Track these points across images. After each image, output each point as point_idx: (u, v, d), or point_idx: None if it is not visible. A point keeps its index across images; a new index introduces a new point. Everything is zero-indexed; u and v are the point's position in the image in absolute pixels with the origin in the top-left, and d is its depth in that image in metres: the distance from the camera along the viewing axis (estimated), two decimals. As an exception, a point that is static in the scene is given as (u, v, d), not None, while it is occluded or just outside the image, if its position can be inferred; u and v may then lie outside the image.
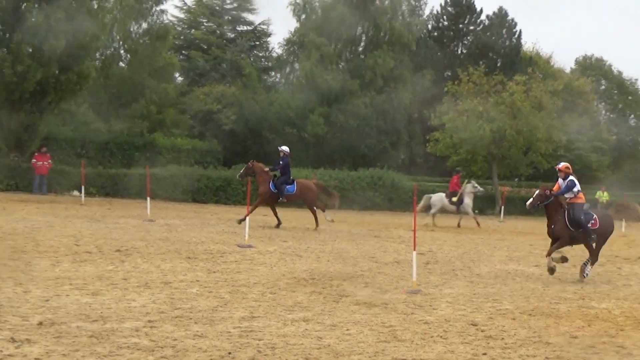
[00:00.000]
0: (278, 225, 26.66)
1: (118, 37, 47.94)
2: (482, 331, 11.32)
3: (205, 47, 58.93)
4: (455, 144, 47.24)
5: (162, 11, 49.94)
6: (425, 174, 56.98)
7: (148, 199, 27.10)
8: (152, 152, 44.56)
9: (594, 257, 17.87)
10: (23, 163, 37.30)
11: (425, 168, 59.87)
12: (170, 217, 27.23)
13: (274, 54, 61.72)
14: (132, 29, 48.43)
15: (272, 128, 50.67)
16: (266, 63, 61.98)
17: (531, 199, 17.95)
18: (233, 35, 61.90)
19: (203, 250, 18.84)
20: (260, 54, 62.93)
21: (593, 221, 17.79)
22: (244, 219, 23.70)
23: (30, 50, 35.55)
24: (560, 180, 17.97)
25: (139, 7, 47.65)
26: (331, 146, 51.00)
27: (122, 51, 49.18)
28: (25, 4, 36.33)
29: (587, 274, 17.60)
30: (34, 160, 36.78)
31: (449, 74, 57.28)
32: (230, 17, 62.75)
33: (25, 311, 10.84)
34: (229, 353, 9.28)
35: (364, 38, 56.31)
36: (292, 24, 61.13)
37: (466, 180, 35.58)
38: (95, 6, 38.36)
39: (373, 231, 27.20)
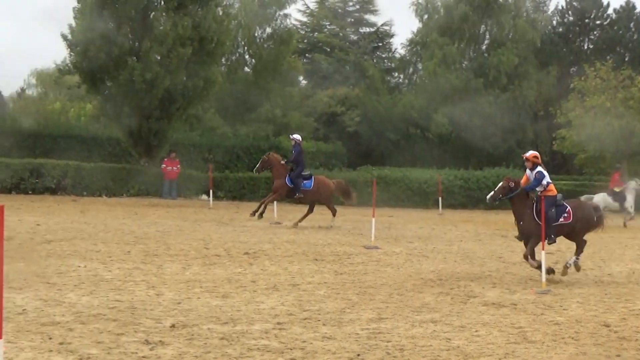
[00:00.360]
0: (258, 215, 25.96)
1: (243, 43, 48.69)
2: (615, 332, 11.01)
3: (329, 49, 59.18)
4: (583, 141, 46.12)
5: (286, 15, 50.55)
6: (551, 172, 55.65)
7: (274, 202, 27.35)
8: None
9: (579, 249, 16.37)
10: (153, 168, 38.17)
11: (552, 166, 58.62)
12: (297, 219, 27.41)
13: (397, 55, 61.57)
14: (256, 34, 49.10)
15: (395, 129, 50.55)
16: (389, 64, 61.85)
17: (492, 192, 16.57)
18: (356, 37, 61.96)
19: (330, 252, 18.93)
20: (383, 55, 62.83)
21: (566, 214, 16.31)
22: (258, 213, 25.17)
23: (159, 57, 36.36)
24: (528, 172, 16.34)
25: (263, 13, 48.29)
26: (455, 146, 50.56)
27: (247, 56, 49.91)
28: (153, 13, 37.22)
29: (570, 264, 16.18)
30: (164, 165, 37.60)
31: (575, 70, 55.96)
32: (352, 19, 62.85)
33: (158, 314, 11.09)
34: (358, 355, 9.27)
35: (487, 36, 55.60)
36: (415, 25, 60.77)
37: (636, 179, 34.42)
38: (220, 12, 38.97)
39: (500, 231, 26.81)
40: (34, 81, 77.24)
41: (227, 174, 40.32)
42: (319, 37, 60.33)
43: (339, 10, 62.34)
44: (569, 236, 16.80)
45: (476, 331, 10.78)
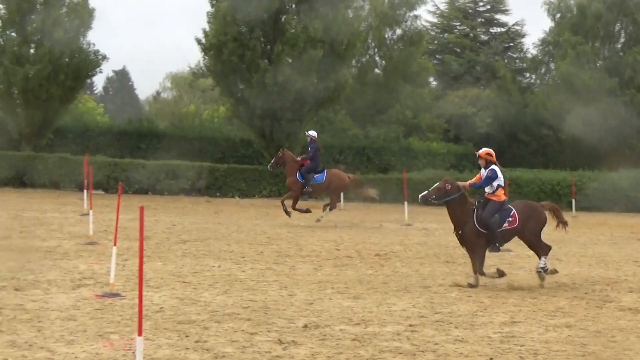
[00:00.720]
0: (306, 211, 25.57)
1: (373, 44, 48.75)
2: None
3: (459, 50, 58.64)
4: None
5: (416, 17, 50.30)
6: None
7: (405, 203, 27.25)
8: (407, 156, 44.80)
9: (540, 250, 14.97)
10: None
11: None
12: (427, 221, 27.29)
13: (529, 55, 60.49)
14: (386, 36, 49.07)
15: (527, 130, 49.72)
16: (520, 64, 60.82)
17: (426, 192, 15.30)
18: (486, 37, 61.22)
19: (461, 254, 18.69)
20: (515, 56, 61.83)
21: (511, 218, 14.82)
22: (288, 211, 24.89)
23: (290, 60, 36.75)
24: (482, 171, 15.11)
25: (392, 14, 48.23)
26: (589, 147, 49.33)
27: (377, 58, 49.93)
28: (284, 16, 37.65)
29: (542, 267, 14.78)
30: (297, 166, 37.98)
31: None
32: (483, 20, 62.14)
33: (290, 314, 11.20)
34: (490, 358, 9.17)
35: (622, 34, 54.07)
36: (547, 24, 59.66)
37: None
38: (351, 14, 39.13)
39: (635, 234, 26.03)
40: (169, 84, 79.29)
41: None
42: (449, 38, 59.83)
43: (469, 11, 61.69)
44: (523, 241, 15.40)
45: (612, 337, 10.51)
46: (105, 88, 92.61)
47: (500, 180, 14.98)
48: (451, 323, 11.00)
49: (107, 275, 13.25)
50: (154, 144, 41.52)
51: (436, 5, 60.67)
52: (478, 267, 14.55)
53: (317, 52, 36.32)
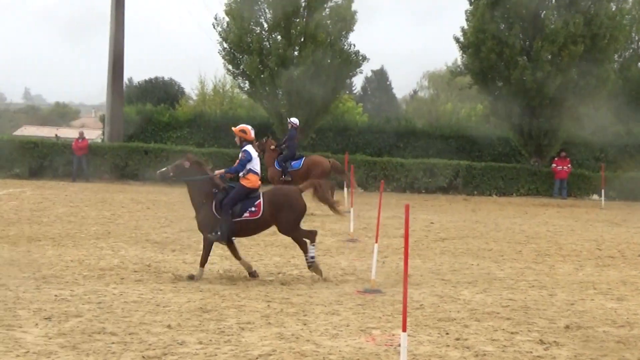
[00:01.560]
0: None
1: (637, 38, 46.81)
2: None
3: None
4: None
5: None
6: None
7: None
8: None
9: (301, 243, 13.45)
10: (543, 168, 37.99)
11: None
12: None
13: None
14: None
15: None
16: None
17: (165, 168, 13.81)
18: None
19: None
20: None
21: (254, 208, 13.21)
22: None
23: (550, 56, 36.08)
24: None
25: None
26: None
27: (641, 52, 47.92)
28: (544, 12, 36.99)
29: (311, 258, 13.26)
30: (554, 164, 37.27)
31: None
32: None
33: (551, 314, 11.09)
34: None
35: None
36: None
37: None
38: (614, 8, 37.85)
39: None
40: (426, 83, 79.84)
41: (619, 173, 39.03)
42: None
43: None
44: (281, 233, 13.83)
45: None
46: (363, 88, 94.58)
47: (255, 163, 13.50)
48: None
49: (368, 271, 13.63)
50: (412, 142, 42.01)
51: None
52: (203, 257, 13.25)
53: (577, 47, 35.42)
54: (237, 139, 13.72)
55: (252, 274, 13.30)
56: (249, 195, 13.33)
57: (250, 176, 13.37)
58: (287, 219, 13.34)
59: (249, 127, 13.81)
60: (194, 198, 13.43)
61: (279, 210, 13.28)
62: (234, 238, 13.51)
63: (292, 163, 25.03)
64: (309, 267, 13.37)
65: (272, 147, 25.29)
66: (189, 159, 13.48)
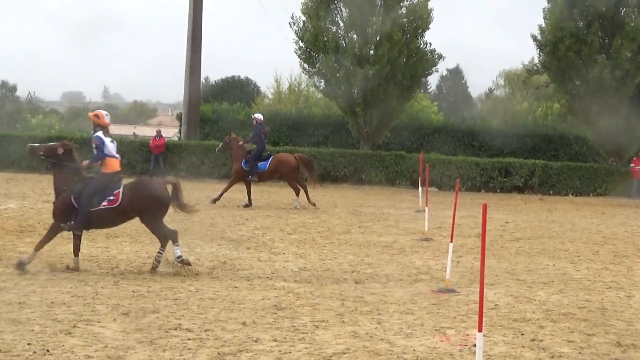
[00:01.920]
0: (247, 205, 24.26)
1: None
2: None
3: None
4: None
5: None
6: None
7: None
8: None
9: (162, 237, 13.08)
10: (621, 168, 37.40)
11: None
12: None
13: None
14: None
15: None
16: None
17: (39, 144, 13.35)
18: None
19: None
20: None
21: (113, 197, 12.77)
22: (218, 198, 24.16)
23: (629, 54, 35.53)
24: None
25: None
26: None
27: None
28: (624, 9, 36.40)
29: (178, 257, 12.84)
30: (632, 164, 36.68)
31: None
32: None
33: (629, 316, 10.93)
34: None
35: None
36: None
37: None
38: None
39: None
40: (501, 82, 79.09)
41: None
42: None
43: None
44: (143, 221, 13.29)
45: None
46: (438, 86, 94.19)
47: (110, 149, 13.07)
48: None
49: (442, 271, 13.59)
50: (487, 141, 41.74)
51: None
52: (40, 243, 12.86)
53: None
54: (90, 124, 13.47)
55: (70, 270, 12.84)
56: (111, 180, 13.10)
57: (108, 160, 13.08)
58: (147, 209, 13.01)
59: (104, 112, 13.50)
60: (56, 184, 13.15)
61: (139, 199, 12.98)
62: (91, 230, 13.52)
63: (259, 164, 24.86)
64: (179, 263, 12.95)
65: (240, 143, 25.26)
66: (64, 145, 13.12)
